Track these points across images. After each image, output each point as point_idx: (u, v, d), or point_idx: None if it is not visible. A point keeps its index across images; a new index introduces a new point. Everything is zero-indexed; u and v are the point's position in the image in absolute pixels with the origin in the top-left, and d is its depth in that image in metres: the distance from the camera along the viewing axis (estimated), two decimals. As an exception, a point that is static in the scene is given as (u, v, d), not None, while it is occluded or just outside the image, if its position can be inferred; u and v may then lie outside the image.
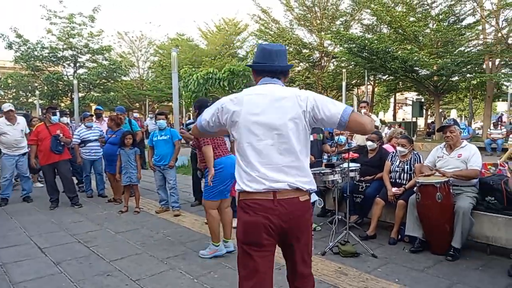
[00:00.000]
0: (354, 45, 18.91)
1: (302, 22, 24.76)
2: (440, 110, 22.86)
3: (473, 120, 28.32)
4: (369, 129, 2.03)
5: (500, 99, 27.50)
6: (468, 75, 19.66)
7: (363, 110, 7.40)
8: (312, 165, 4.70)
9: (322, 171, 4.45)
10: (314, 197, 4.37)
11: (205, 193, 4.07)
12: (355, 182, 4.78)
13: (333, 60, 25.50)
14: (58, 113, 6.64)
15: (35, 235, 4.91)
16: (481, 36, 18.91)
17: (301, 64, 27.09)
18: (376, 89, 29.81)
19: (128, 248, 4.38)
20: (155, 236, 4.86)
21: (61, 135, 6.36)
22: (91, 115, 7.64)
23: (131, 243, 4.58)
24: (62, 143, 6.40)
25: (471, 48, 19.75)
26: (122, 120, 6.97)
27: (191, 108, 27.46)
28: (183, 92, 12.86)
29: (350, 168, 4.44)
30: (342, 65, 23.92)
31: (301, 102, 2.00)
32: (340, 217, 4.72)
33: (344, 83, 16.96)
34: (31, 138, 6.46)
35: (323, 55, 25.23)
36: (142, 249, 4.36)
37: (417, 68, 19.20)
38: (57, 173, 6.62)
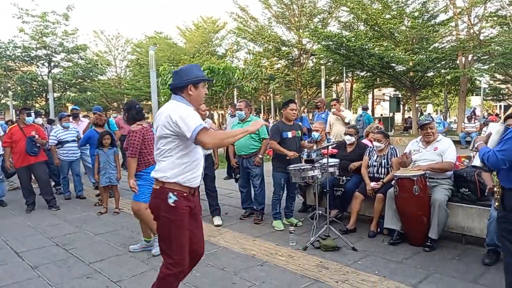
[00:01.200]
0: (331, 43, 19.12)
1: (281, 20, 24.82)
2: (417, 105, 23.32)
3: (448, 114, 29.07)
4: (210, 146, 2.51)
5: (474, 94, 28.32)
6: (442, 70, 20.14)
7: (332, 109, 7.53)
8: (292, 161, 4.77)
9: (302, 167, 4.49)
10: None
11: (142, 197, 4.04)
12: (335, 176, 4.84)
13: (312, 57, 25.69)
14: (33, 114, 6.46)
15: (10, 239, 4.77)
16: (454, 33, 19.41)
17: (280, 61, 27.21)
18: (354, 86, 30.23)
19: (108, 250, 4.31)
20: (136, 237, 4.79)
21: (36, 136, 6.20)
22: (68, 116, 7.46)
23: (111, 244, 4.51)
24: (38, 145, 6.24)
25: (445, 44, 20.24)
26: (103, 121, 6.89)
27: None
28: (162, 90, 12.72)
29: (330, 164, 4.49)
30: (321, 62, 24.13)
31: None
32: (320, 212, 4.78)
33: (323, 80, 17.10)
34: (4, 140, 6.27)
35: (302, 52, 25.38)
36: (123, 250, 4.30)
37: (394, 64, 19.57)
38: (32, 175, 6.45)
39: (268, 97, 30.81)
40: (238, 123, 5.38)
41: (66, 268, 3.81)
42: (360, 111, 13.78)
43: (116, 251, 4.26)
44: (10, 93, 23.13)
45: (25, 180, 6.30)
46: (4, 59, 22.46)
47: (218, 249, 4.25)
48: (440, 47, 19.91)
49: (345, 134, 5.29)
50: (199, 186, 2.59)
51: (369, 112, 33.25)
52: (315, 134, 5.60)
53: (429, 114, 25.89)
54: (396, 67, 20.21)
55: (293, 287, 3.24)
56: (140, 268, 3.75)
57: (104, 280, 3.49)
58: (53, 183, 7.59)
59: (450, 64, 19.93)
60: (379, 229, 4.55)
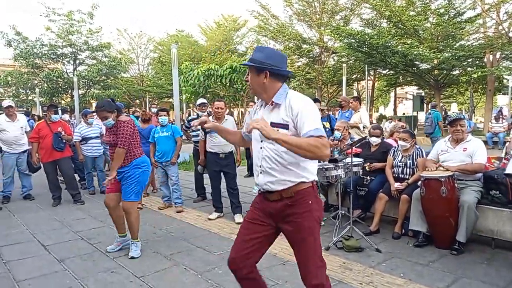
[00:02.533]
0: (353, 40, 18.84)
1: (302, 17, 24.66)
2: (441, 104, 22.77)
3: (473, 114, 28.27)
4: None
5: (501, 93, 27.44)
6: (469, 68, 19.61)
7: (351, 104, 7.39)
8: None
9: (325, 166, 4.43)
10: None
11: (134, 195, 4.00)
12: (359, 176, 4.76)
13: (333, 55, 25.42)
14: (59, 112, 6.62)
15: (37, 233, 4.90)
16: (482, 30, 18.84)
17: (301, 59, 27.03)
18: (376, 84, 29.76)
19: (132, 245, 4.37)
20: (158, 233, 4.85)
21: (62, 132, 6.35)
22: (92, 112, 7.61)
23: (134, 239, 4.56)
24: (64, 141, 6.39)
25: (472, 41, 19.68)
26: (150, 116, 6.99)
27: (191, 104, 27.45)
28: (183, 87, 12.83)
29: (354, 163, 4.42)
30: (342, 60, 23.84)
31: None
32: (343, 212, 4.71)
33: (344, 78, 16.90)
34: (32, 135, 6.44)
35: (323, 50, 25.15)
36: (146, 245, 4.35)
37: (418, 62, 19.16)
38: (58, 170, 6.61)
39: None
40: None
41: (91, 262, 3.88)
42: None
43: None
44: (37, 90, 23.80)
45: (51, 174, 6.46)
46: (32, 57, 23.15)
47: (240, 247, 4.24)
48: (466, 44, 19.36)
49: (371, 135, 5.19)
50: None
51: (391, 111, 32.65)
52: (337, 134, 5.53)
53: (460, 113, 25.22)
54: (420, 65, 19.78)
55: None
56: (163, 265, 3.78)
57: (128, 275, 3.53)
58: (78, 178, 7.78)
59: (477, 62, 19.35)
60: (403, 231, 4.44)
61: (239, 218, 5.20)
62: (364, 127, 6.93)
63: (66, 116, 8.22)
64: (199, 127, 6.00)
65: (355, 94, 28.26)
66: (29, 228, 5.13)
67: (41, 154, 6.38)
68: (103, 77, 25.50)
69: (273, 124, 2.10)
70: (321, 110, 5.19)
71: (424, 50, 17.63)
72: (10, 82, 25.40)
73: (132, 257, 3.95)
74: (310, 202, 2.17)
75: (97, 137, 7.12)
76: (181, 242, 4.44)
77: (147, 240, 4.55)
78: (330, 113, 8.75)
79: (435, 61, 18.36)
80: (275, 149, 2.13)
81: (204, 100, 6.57)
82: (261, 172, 2.22)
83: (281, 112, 2.14)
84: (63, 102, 24.91)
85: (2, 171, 6.72)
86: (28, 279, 3.48)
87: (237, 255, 2.29)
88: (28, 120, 7.76)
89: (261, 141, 2.20)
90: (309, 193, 2.18)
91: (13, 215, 5.86)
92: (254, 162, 2.29)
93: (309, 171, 2.20)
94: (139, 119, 7.07)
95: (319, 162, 4.73)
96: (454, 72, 20.33)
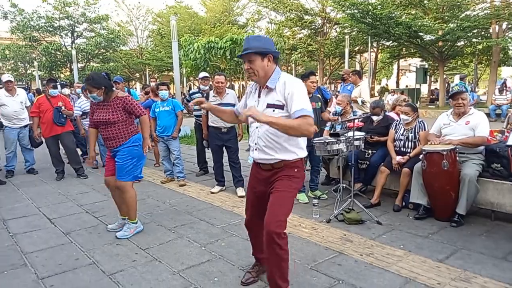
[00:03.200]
0: (357, 11, 18.39)
1: (304, -13, 24.03)
2: (444, 76, 22.48)
3: (477, 86, 27.97)
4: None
5: (505, 64, 27.01)
6: (474, 39, 19.20)
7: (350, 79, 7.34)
8: (316, 134, 4.70)
9: (327, 140, 4.42)
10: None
11: (131, 175, 3.84)
12: (361, 150, 4.77)
13: (336, 26, 24.90)
14: (58, 86, 6.57)
15: (43, 206, 4.97)
16: (488, 0, 18.34)
17: (302, 31, 26.52)
18: (379, 56, 29.30)
19: (136, 218, 4.43)
20: (162, 206, 4.92)
21: (63, 107, 6.32)
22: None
23: (138, 213, 4.59)
24: (65, 115, 6.37)
25: (478, 11, 19.18)
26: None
27: (191, 78, 27.19)
28: (184, 61, 12.66)
29: (355, 137, 4.41)
30: (345, 31, 23.36)
31: None
32: (344, 185, 4.75)
33: (347, 50, 16.65)
34: (32, 110, 6.42)
35: (325, 21, 24.64)
36: (150, 218, 4.42)
37: (422, 34, 18.73)
38: (61, 145, 6.63)
39: (289, 68, 30.29)
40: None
41: (96, 235, 3.95)
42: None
43: (143, 219, 4.37)
44: (35, 63, 23.56)
45: (53, 149, 6.49)
46: (29, 29, 22.76)
47: (242, 219, 4.23)
48: (472, 15, 18.89)
49: (372, 115, 5.16)
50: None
51: (394, 84, 32.31)
52: (337, 108, 5.49)
53: (463, 85, 24.95)
54: (424, 37, 19.36)
55: (317, 258, 3.26)
56: (167, 237, 3.85)
57: (133, 247, 3.60)
58: (80, 153, 7.81)
59: (483, 33, 18.95)
60: (404, 204, 4.49)
61: (241, 191, 5.25)
62: (363, 102, 6.87)
63: (66, 91, 8.15)
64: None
65: (358, 66, 27.87)
66: (34, 202, 5.20)
67: (42, 129, 6.39)
68: (102, 50, 25.13)
69: (269, 105, 2.44)
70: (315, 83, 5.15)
71: (429, 21, 17.23)
72: (8, 55, 25.11)
73: (116, 237, 3.80)
74: (295, 170, 2.54)
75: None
76: (184, 215, 4.51)
77: (151, 213, 4.62)
78: (321, 85, 8.65)
79: (440, 32, 17.97)
80: (268, 129, 2.44)
81: (206, 74, 6.50)
82: (256, 149, 2.57)
83: (276, 95, 2.43)
84: (62, 75, 24.70)
85: (4, 145, 6.75)
86: (35, 252, 3.55)
87: (249, 217, 2.81)
88: (27, 95, 7.70)
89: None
90: (296, 165, 2.54)
91: (17, 189, 5.93)
92: (251, 139, 2.61)
93: (299, 147, 2.54)
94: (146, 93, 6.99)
95: (316, 136, 4.74)
96: (458, 44, 19.93)
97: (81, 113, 6.94)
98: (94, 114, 3.83)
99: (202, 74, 6.50)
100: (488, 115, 13.22)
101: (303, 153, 2.56)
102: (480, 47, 18.68)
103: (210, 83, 6.57)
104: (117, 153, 3.79)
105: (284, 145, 2.47)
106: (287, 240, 2.45)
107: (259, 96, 2.54)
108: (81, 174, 6.55)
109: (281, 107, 2.41)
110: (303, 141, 2.56)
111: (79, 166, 6.62)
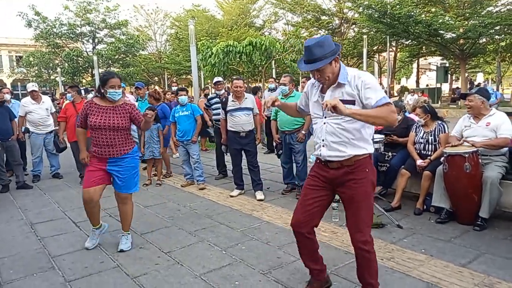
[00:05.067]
0: (374, 11, 18.22)
1: (321, -13, 23.92)
2: (466, 75, 22.01)
3: (500, 84, 27.22)
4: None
5: (530, 61, 26.21)
6: (496, 36, 18.73)
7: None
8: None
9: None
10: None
11: (136, 184, 3.78)
12: (381, 152, 4.74)
13: (353, 26, 24.73)
14: (82, 91, 6.79)
15: (68, 210, 5.13)
16: (512, -5, 17.89)
17: (320, 31, 26.40)
18: (398, 55, 28.90)
19: (158, 222, 4.53)
20: (182, 210, 5.00)
21: None
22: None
23: (160, 216, 4.73)
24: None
25: (501, 7, 18.72)
26: (161, 95, 7.08)
27: (208, 81, 27.45)
28: (202, 65, 12.80)
29: (375, 140, 4.39)
30: (363, 31, 23.17)
31: None
32: (364, 188, 4.72)
33: (365, 50, 16.52)
34: (60, 115, 6.74)
35: (342, 21, 24.50)
36: (171, 222, 4.51)
37: (442, 32, 18.41)
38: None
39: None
40: (282, 98, 5.34)
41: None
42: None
43: (165, 223, 4.47)
44: (58, 69, 24.22)
45: (78, 153, 6.66)
46: (52, 36, 23.44)
47: (262, 223, 4.35)
48: (495, 11, 18.45)
49: None
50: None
51: (414, 83, 31.74)
52: None
53: (479, 84, 24.36)
54: (444, 35, 19.01)
55: (337, 263, 3.27)
56: (188, 240, 3.92)
57: (155, 251, 3.69)
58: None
59: (506, 29, 18.46)
60: (425, 207, 4.44)
61: (260, 195, 5.29)
62: None
63: (90, 96, 8.38)
64: (218, 105, 6.06)
65: (376, 66, 27.52)
66: (60, 205, 5.36)
67: (67, 133, 6.63)
68: (122, 55, 25.65)
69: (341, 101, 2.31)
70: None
71: (450, 18, 16.92)
72: (32, 62, 25.91)
73: (121, 250, 3.66)
74: (367, 170, 2.46)
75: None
76: (204, 219, 4.57)
77: (172, 217, 4.70)
78: None
79: (461, 30, 17.63)
80: (338, 124, 2.40)
81: (220, 78, 6.60)
82: (323, 146, 2.48)
83: (347, 89, 2.37)
84: (84, 81, 25.32)
85: (31, 151, 6.98)
86: (63, 255, 3.67)
87: (300, 217, 2.59)
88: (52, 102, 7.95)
89: (325, 117, 2.46)
90: (367, 162, 2.47)
91: (44, 193, 6.13)
92: (316, 136, 2.55)
93: (368, 143, 2.49)
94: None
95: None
96: (480, 41, 19.49)
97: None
98: (94, 116, 3.52)
99: (216, 79, 6.61)
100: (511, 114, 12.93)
101: (371, 148, 2.51)
102: (503, 44, 18.19)
103: (227, 85, 6.65)
104: (119, 164, 3.58)
105: (353, 141, 2.41)
106: (373, 243, 2.51)
107: (323, 92, 2.48)
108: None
109: (352, 102, 2.34)
110: (370, 136, 2.51)
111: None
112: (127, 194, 3.74)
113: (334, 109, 2.18)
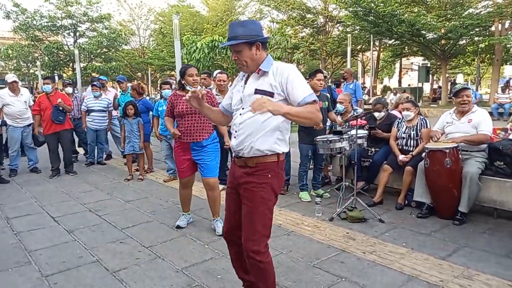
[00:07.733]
0: (360, 9, 18.38)
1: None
2: (447, 75, 22.44)
3: (479, 85, 27.89)
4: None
5: (508, 63, 26.95)
6: (476, 38, 19.16)
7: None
8: (318, 133, 4.70)
9: (330, 139, 4.43)
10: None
11: (217, 169, 3.94)
12: (364, 148, 4.77)
13: (338, 25, 24.90)
14: (50, 83, 6.62)
15: (46, 205, 5.00)
16: (492, -3, 18.32)
17: (305, 30, 26.53)
18: (381, 55, 29.27)
19: (139, 216, 4.45)
20: (164, 205, 4.93)
21: (59, 100, 6.38)
22: (93, 84, 7.49)
23: (141, 211, 4.65)
24: (64, 111, 6.45)
25: (481, 9, 19.15)
26: (143, 89, 7.07)
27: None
28: (186, 60, 12.67)
29: (358, 135, 4.42)
30: (347, 30, 23.38)
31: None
32: (347, 183, 4.75)
33: (349, 49, 16.61)
34: (33, 108, 6.61)
35: (327, 20, 24.62)
36: (153, 217, 4.43)
37: (424, 32, 18.74)
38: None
39: (291, 67, 30.22)
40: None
41: (100, 233, 3.96)
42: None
43: (146, 217, 4.40)
44: (38, 63, 23.62)
45: (52, 146, 6.61)
46: (31, 29, 22.83)
47: (245, 218, 4.31)
48: (475, 13, 18.86)
49: (373, 111, 5.15)
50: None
51: (396, 83, 32.20)
52: (339, 107, 5.48)
53: (465, 84, 24.88)
54: (426, 35, 19.35)
55: (320, 256, 3.27)
56: (170, 235, 3.86)
57: (136, 245, 3.62)
58: (83, 152, 7.90)
59: (485, 31, 18.92)
60: (406, 202, 4.49)
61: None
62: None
63: (70, 89, 8.20)
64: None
65: (360, 65, 27.81)
66: (38, 200, 5.22)
67: (43, 126, 6.53)
68: (104, 50, 25.19)
69: (257, 91, 2.16)
70: (325, 77, 5.15)
71: (432, 19, 17.22)
72: (11, 55, 25.18)
73: (217, 234, 3.78)
74: (269, 175, 2.21)
75: (101, 110, 7.18)
76: (187, 214, 4.51)
77: (154, 211, 4.63)
78: (332, 85, 8.61)
79: (442, 30, 17.97)
80: (253, 116, 2.14)
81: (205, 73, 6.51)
82: (235, 137, 2.27)
83: (269, 79, 2.17)
84: (65, 75, 24.76)
85: (8, 144, 6.78)
86: (40, 249, 3.57)
87: (229, 226, 2.44)
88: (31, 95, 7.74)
89: (242, 109, 2.25)
90: (271, 167, 2.22)
91: (21, 187, 5.95)
92: (232, 126, 2.32)
93: (284, 142, 2.26)
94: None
95: (321, 134, 4.74)
96: (461, 42, 19.93)
97: (86, 109, 7.22)
98: (177, 106, 3.81)
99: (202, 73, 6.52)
100: (490, 114, 13.25)
101: (285, 149, 2.26)
102: (482, 45, 18.63)
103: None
104: (203, 150, 3.82)
105: (268, 135, 2.18)
106: (269, 252, 2.27)
107: (245, 83, 2.27)
108: (70, 171, 6.75)
109: (271, 94, 2.13)
110: (286, 137, 2.27)
111: (70, 164, 6.83)
112: (212, 178, 3.84)
113: (272, 112, 1.95)
